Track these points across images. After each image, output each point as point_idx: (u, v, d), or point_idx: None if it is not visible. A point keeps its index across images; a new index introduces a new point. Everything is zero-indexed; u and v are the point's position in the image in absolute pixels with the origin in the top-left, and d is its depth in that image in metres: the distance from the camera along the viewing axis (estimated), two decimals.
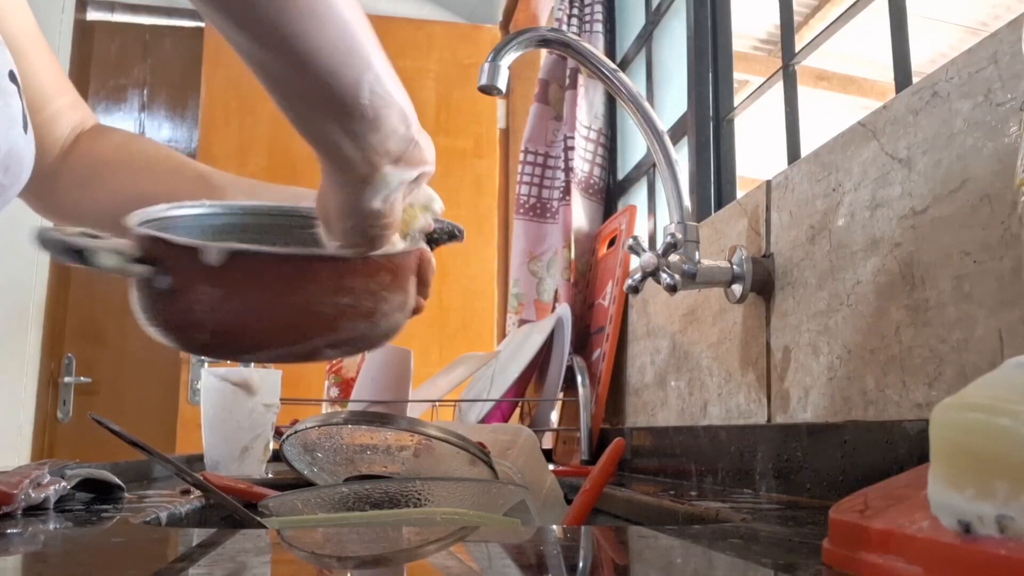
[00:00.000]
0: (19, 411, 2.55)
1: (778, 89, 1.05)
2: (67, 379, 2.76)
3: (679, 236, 0.80)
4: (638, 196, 1.58)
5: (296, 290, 0.51)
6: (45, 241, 0.47)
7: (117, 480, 0.67)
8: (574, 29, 1.64)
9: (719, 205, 1.21)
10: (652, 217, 1.48)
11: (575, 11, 1.66)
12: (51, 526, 0.48)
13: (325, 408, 1.42)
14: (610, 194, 1.62)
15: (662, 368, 1.07)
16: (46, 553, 0.40)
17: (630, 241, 0.84)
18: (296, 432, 0.73)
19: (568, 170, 1.53)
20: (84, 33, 2.85)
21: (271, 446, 1.05)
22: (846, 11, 0.90)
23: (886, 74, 0.85)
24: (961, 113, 0.55)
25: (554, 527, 0.66)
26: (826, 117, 2.25)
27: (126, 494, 0.67)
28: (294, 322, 0.51)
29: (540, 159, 1.71)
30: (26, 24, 0.66)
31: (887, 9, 0.81)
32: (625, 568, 0.38)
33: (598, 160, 1.57)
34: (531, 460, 0.83)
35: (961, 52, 0.56)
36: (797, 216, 0.76)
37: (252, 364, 1.08)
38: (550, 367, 1.41)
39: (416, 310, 0.55)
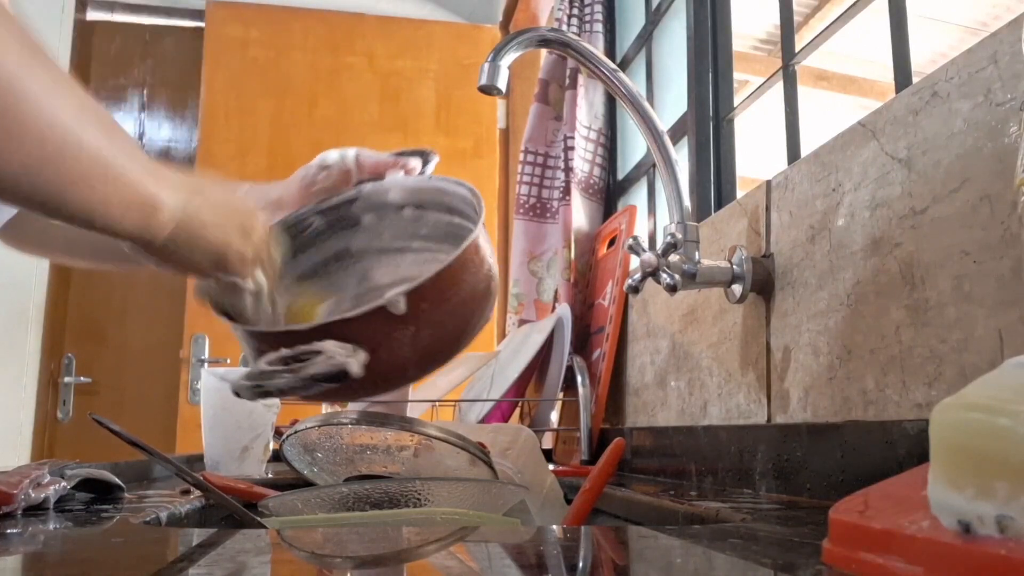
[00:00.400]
0: (19, 411, 2.55)
1: (778, 89, 1.05)
2: (67, 379, 2.76)
3: (679, 236, 0.80)
4: (638, 196, 1.58)
5: (458, 290, 0.56)
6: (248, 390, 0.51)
7: (117, 480, 0.67)
8: (574, 29, 1.64)
9: (719, 205, 1.21)
10: (652, 217, 1.48)
11: (575, 11, 1.66)
12: (51, 526, 0.48)
13: (325, 408, 1.42)
14: (610, 194, 1.62)
15: (662, 368, 1.07)
16: (46, 553, 0.40)
17: (630, 241, 0.84)
18: (296, 432, 0.73)
19: (568, 170, 1.53)
20: (84, 33, 2.85)
21: (271, 446, 1.05)
22: (846, 11, 0.90)
23: (886, 74, 0.85)
24: (961, 113, 0.55)
25: (554, 527, 0.66)
26: (826, 117, 2.25)
27: (126, 494, 0.67)
28: (469, 317, 0.58)
29: (540, 159, 1.71)
30: None
31: (887, 9, 0.81)
32: (625, 568, 0.38)
33: (598, 160, 1.57)
34: (531, 460, 0.83)
35: (961, 52, 0.56)
36: (797, 216, 0.76)
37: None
38: (550, 367, 1.41)
39: None
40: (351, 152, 0.72)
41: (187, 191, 0.50)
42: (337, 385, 0.53)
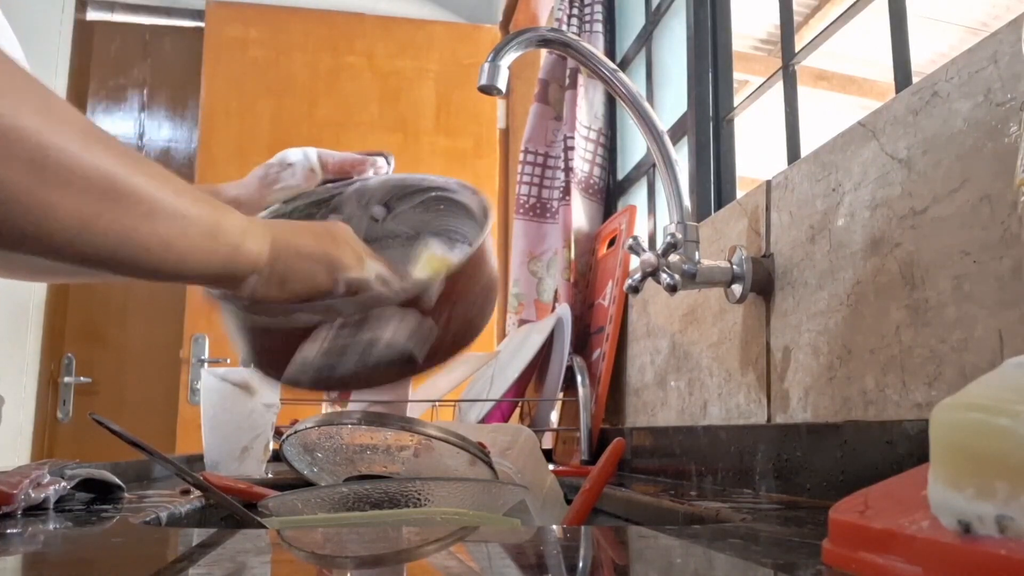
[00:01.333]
0: (19, 411, 2.55)
1: (778, 89, 1.05)
2: (67, 379, 2.76)
3: (679, 236, 0.80)
4: (638, 196, 1.58)
5: (483, 274, 0.58)
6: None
7: (117, 480, 0.67)
8: (574, 29, 1.64)
9: (719, 205, 1.21)
10: (652, 217, 1.48)
11: (575, 11, 1.66)
12: (51, 526, 0.48)
13: (325, 408, 1.42)
14: (610, 194, 1.62)
15: (662, 368, 1.07)
16: (46, 553, 0.40)
17: (630, 241, 0.84)
18: (296, 432, 0.73)
19: (568, 170, 1.53)
20: (84, 33, 2.85)
21: (271, 446, 1.05)
22: (846, 11, 0.90)
23: (886, 74, 0.85)
24: (961, 113, 0.55)
25: (554, 527, 0.66)
26: (826, 117, 2.25)
27: (126, 494, 0.67)
28: (489, 302, 0.59)
29: (540, 159, 1.71)
30: None
31: (887, 9, 0.81)
32: (625, 568, 0.38)
33: (598, 160, 1.57)
34: (531, 460, 0.83)
35: (961, 52, 0.56)
36: (797, 216, 0.76)
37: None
38: (550, 367, 1.41)
39: None
40: (312, 151, 0.72)
41: (254, 222, 0.48)
42: (396, 371, 0.53)
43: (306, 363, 0.53)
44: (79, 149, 0.39)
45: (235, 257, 0.46)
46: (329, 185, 0.72)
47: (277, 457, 0.93)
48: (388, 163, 0.75)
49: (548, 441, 1.48)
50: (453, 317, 0.55)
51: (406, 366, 0.53)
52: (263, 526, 0.56)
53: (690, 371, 0.98)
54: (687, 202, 0.83)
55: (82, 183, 0.39)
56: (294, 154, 0.70)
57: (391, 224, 0.72)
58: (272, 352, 0.55)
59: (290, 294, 0.49)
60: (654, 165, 1.39)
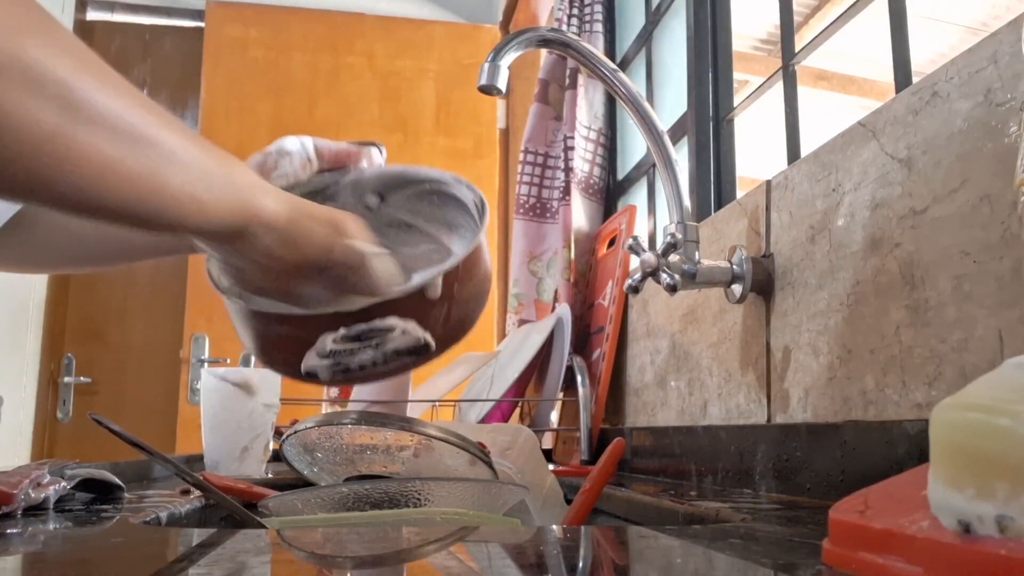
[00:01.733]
0: (19, 411, 2.55)
1: (778, 89, 1.05)
2: (67, 379, 2.76)
3: (679, 236, 0.80)
4: (638, 196, 1.58)
5: (479, 268, 0.59)
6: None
7: (117, 480, 0.66)
8: (574, 29, 1.64)
9: (719, 205, 1.21)
10: (652, 217, 1.48)
11: (575, 11, 1.66)
12: (51, 526, 0.48)
13: (325, 408, 1.42)
14: (610, 194, 1.62)
15: (662, 368, 1.07)
16: (46, 553, 0.40)
17: (630, 241, 0.84)
18: (296, 432, 0.73)
19: (568, 170, 1.53)
20: (84, 33, 2.85)
21: (271, 446, 1.05)
22: (846, 11, 0.90)
23: (886, 74, 0.85)
24: (961, 113, 0.55)
25: (554, 527, 0.66)
26: (826, 117, 2.25)
27: (126, 494, 0.67)
28: (484, 295, 0.61)
29: (540, 159, 1.71)
30: None
31: (887, 9, 0.81)
32: (625, 568, 0.38)
33: (598, 160, 1.57)
34: (531, 460, 0.83)
35: (961, 52, 0.56)
36: (797, 216, 0.76)
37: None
38: (550, 367, 1.41)
39: None
40: (309, 140, 0.72)
41: (266, 183, 0.49)
42: (412, 359, 0.54)
43: (323, 353, 0.52)
44: (105, 93, 0.39)
45: (253, 211, 0.46)
46: (325, 175, 0.72)
47: (277, 457, 0.93)
48: (381, 153, 0.75)
49: (548, 441, 1.48)
50: (453, 308, 0.56)
51: (421, 354, 0.54)
52: (263, 526, 0.56)
53: (690, 371, 0.98)
54: (687, 202, 0.83)
55: (108, 126, 0.39)
56: (291, 143, 0.70)
57: (386, 212, 0.73)
58: (283, 344, 0.55)
59: (300, 257, 0.48)
60: (654, 165, 1.39)
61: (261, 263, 0.48)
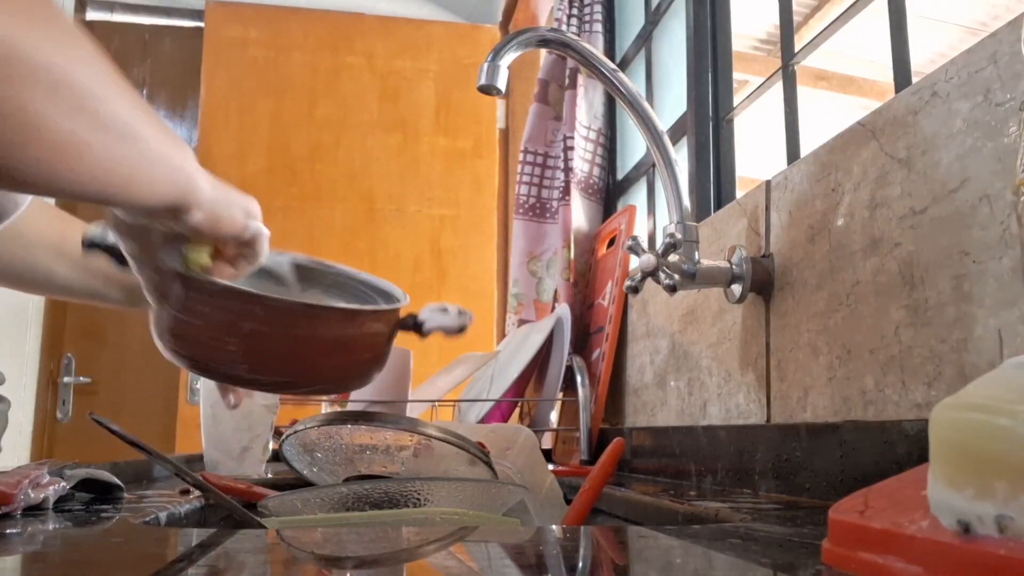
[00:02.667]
0: (19, 411, 2.55)
1: (777, 89, 1.05)
2: (67, 379, 2.76)
3: (679, 236, 0.80)
4: (638, 196, 1.58)
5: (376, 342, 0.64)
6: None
7: (116, 480, 0.66)
8: (573, 29, 1.64)
9: (719, 205, 1.21)
10: (652, 217, 1.48)
11: (575, 11, 1.66)
12: (50, 526, 0.48)
13: (325, 408, 1.42)
14: (610, 194, 1.62)
15: (661, 368, 1.07)
16: (45, 553, 0.40)
17: (629, 241, 0.84)
18: (296, 432, 0.73)
19: (568, 170, 1.53)
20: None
21: (271, 446, 1.05)
22: (846, 11, 0.90)
23: (886, 74, 0.85)
24: (960, 113, 0.55)
25: (554, 527, 0.66)
26: (826, 117, 2.25)
27: (126, 494, 0.67)
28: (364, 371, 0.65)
29: (540, 159, 1.71)
30: None
31: (887, 9, 0.81)
32: (625, 568, 0.38)
33: (598, 160, 1.57)
34: (531, 460, 0.83)
35: (961, 52, 0.56)
36: (796, 216, 0.76)
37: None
38: (549, 367, 1.41)
39: None
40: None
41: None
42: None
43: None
44: (87, 75, 0.42)
45: (191, 189, 0.52)
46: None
47: (277, 457, 0.93)
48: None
49: (548, 441, 1.48)
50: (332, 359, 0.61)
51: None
52: (263, 526, 0.56)
53: (690, 371, 0.98)
54: (687, 202, 0.83)
55: (90, 109, 0.42)
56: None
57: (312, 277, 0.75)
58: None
59: (217, 233, 0.56)
60: (654, 165, 1.39)
61: (186, 233, 0.55)
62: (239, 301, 0.57)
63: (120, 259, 0.60)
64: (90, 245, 0.61)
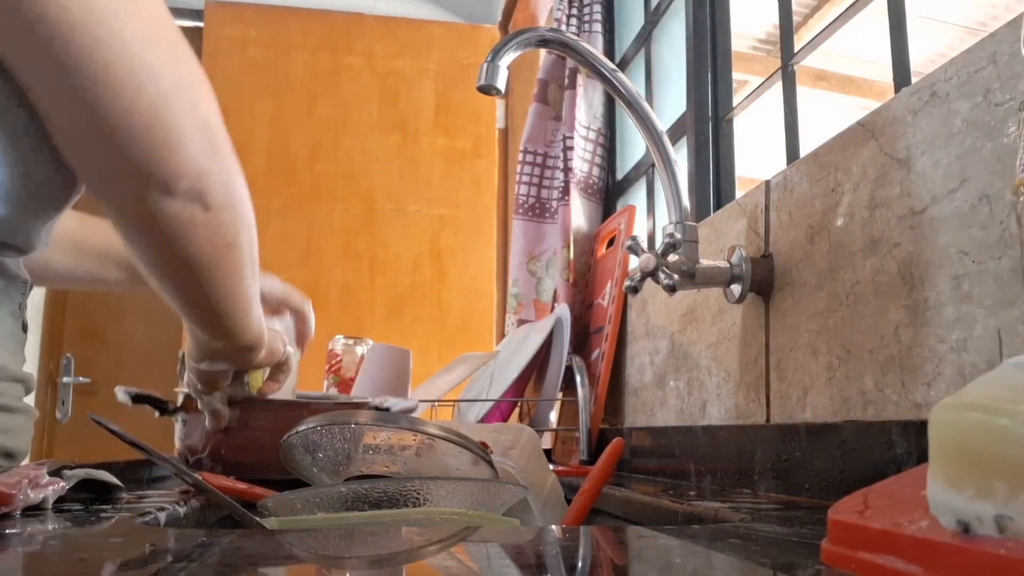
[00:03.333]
0: None
1: (777, 89, 1.05)
2: (66, 379, 2.76)
3: (678, 236, 0.80)
4: (637, 196, 1.58)
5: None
6: None
7: (116, 480, 0.66)
8: (573, 29, 1.64)
9: (718, 205, 1.21)
10: (651, 217, 1.48)
11: (574, 11, 1.66)
12: (50, 526, 0.48)
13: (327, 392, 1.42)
14: (609, 194, 1.62)
15: (661, 368, 1.07)
16: (45, 553, 0.40)
17: (629, 241, 0.84)
18: (296, 432, 0.73)
19: (567, 170, 1.53)
20: None
21: None
22: (845, 11, 0.90)
23: (885, 74, 0.85)
24: (960, 113, 0.55)
25: (553, 527, 0.66)
26: (825, 117, 2.25)
27: (125, 494, 0.67)
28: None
29: (539, 159, 1.71)
30: None
31: (886, 9, 0.81)
32: (624, 568, 0.38)
33: (597, 160, 1.57)
34: (533, 460, 0.83)
35: (960, 52, 0.56)
36: (796, 216, 0.76)
37: None
38: (549, 367, 1.41)
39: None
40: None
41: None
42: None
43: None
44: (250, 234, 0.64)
45: (260, 333, 0.72)
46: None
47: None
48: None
49: (547, 441, 1.48)
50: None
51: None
52: (262, 526, 0.56)
53: (689, 371, 0.98)
54: (686, 202, 0.83)
55: (249, 259, 0.64)
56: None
57: None
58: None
59: (270, 365, 0.80)
60: (653, 165, 1.39)
61: (250, 362, 0.76)
62: (290, 410, 0.81)
63: (162, 408, 0.91)
64: (136, 399, 0.88)
